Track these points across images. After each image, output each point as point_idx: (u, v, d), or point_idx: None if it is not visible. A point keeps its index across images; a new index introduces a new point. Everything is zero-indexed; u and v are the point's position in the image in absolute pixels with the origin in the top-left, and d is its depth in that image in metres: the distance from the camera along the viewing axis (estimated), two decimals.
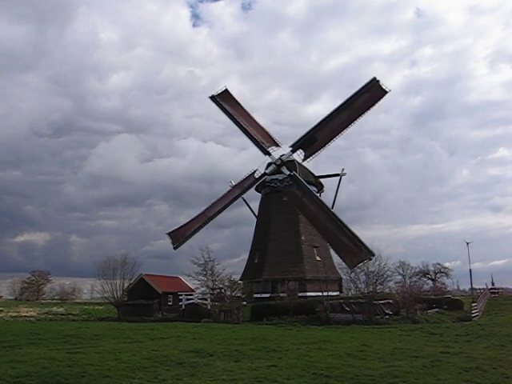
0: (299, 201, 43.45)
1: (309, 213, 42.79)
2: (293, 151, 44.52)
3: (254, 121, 47.31)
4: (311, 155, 44.25)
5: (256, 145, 45.81)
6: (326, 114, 42.96)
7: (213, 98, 47.57)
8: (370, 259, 35.71)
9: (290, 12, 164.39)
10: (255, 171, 45.38)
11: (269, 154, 45.29)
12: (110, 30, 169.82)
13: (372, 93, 42.19)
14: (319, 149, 43.98)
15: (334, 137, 43.55)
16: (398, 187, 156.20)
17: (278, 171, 45.24)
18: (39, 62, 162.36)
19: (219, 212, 43.68)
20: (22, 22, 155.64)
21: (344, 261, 37.03)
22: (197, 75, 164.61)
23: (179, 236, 42.78)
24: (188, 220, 43.91)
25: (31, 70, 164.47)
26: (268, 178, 45.88)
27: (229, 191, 45.32)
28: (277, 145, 45.85)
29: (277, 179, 45.63)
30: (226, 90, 48.07)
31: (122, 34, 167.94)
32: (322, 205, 42.17)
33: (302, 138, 44.02)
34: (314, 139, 43.72)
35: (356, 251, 37.07)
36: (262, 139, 45.69)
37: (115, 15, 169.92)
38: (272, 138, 46.28)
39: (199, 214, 43.70)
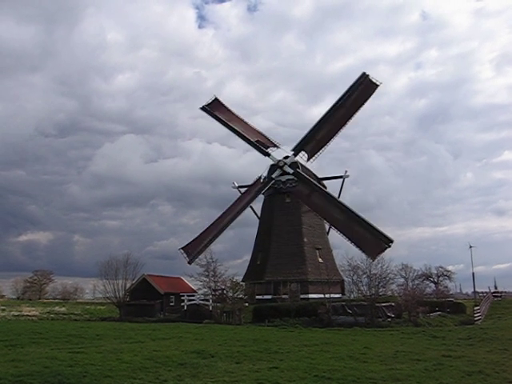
0: (308, 198, 43.61)
1: (319, 209, 43.04)
2: (295, 154, 44.74)
3: (249, 125, 47.75)
4: (314, 155, 44.58)
5: (254, 147, 46.15)
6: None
7: (204, 108, 48.19)
8: (390, 246, 36.35)
9: (296, 14, 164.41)
10: (260, 177, 45.65)
11: (268, 154, 45.60)
12: (115, 30, 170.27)
13: (363, 88, 43.20)
14: (320, 148, 44.37)
15: (334, 135, 44.12)
16: (402, 190, 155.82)
17: (281, 173, 45.38)
18: (46, 62, 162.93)
19: (231, 221, 43.45)
20: (30, 23, 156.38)
21: (364, 252, 36.84)
22: (203, 76, 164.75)
23: (193, 249, 41.86)
24: (200, 233, 43.26)
25: (38, 70, 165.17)
26: (263, 176, 45.92)
27: (237, 200, 45.48)
28: (275, 146, 46.17)
29: (280, 181, 45.67)
30: (216, 99, 48.74)
31: (127, 35, 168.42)
32: (331, 198, 42.38)
33: (302, 139, 44.46)
34: (315, 139, 44.19)
35: (374, 241, 37.59)
36: (260, 141, 46.04)
37: (121, 16, 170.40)
38: (270, 140, 46.69)
39: (210, 225, 43.42)
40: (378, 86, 42.98)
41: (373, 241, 37.67)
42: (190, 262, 41.96)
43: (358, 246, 38.05)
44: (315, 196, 43.04)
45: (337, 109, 43.45)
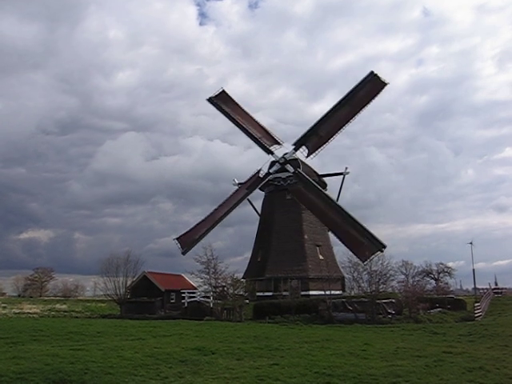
0: (305, 198, 43.50)
1: (316, 209, 42.89)
2: (296, 149, 44.73)
3: (255, 120, 47.43)
4: (314, 151, 44.49)
5: (257, 144, 45.96)
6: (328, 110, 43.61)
7: (210, 100, 48.01)
8: (382, 251, 36.07)
9: (297, 11, 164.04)
10: (259, 171, 45.49)
11: (271, 152, 45.48)
12: (116, 28, 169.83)
13: (371, 86, 42.61)
14: (322, 144, 44.20)
15: (336, 132, 43.77)
16: (403, 186, 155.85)
17: (281, 169, 45.33)
18: (48, 60, 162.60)
19: (226, 214, 43.65)
20: (33, 21, 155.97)
21: (356, 254, 36.93)
22: (204, 73, 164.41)
23: (187, 240, 42.45)
24: (195, 224, 43.66)
25: (40, 68, 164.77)
26: (271, 176, 45.96)
27: (234, 192, 45.45)
28: (279, 143, 46.01)
29: (280, 177, 45.71)
30: (223, 92, 48.32)
31: (128, 32, 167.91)
32: (328, 200, 42.27)
33: (304, 134, 44.32)
34: (317, 135, 44.04)
35: (367, 244, 37.38)
36: (264, 138, 45.86)
37: (122, 13, 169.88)
38: (273, 137, 46.44)
39: (206, 217, 43.63)
40: (385, 84, 42.45)
41: (366, 245, 37.56)
42: (183, 253, 42.63)
43: (350, 248, 38.14)
44: (313, 196, 42.99)
45: (342, 106, 43.17)
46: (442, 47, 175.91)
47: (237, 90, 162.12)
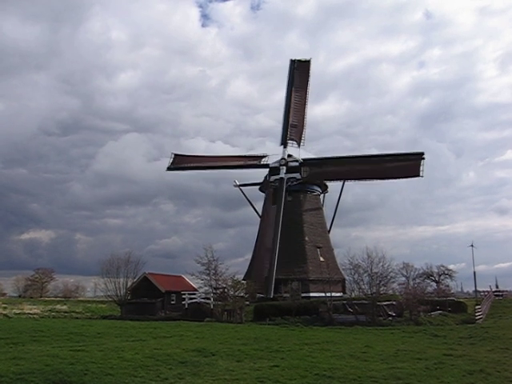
0: (327, 174, 46.24)
1: (342, 174, 45.32)
2: (284, 146, 46.81)
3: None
4: (301, 139, 47.18)
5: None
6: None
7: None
8: (423, 158, 40.27)
9: (299, 12, 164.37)
10: (264, 156, 46.88)
11: (267, 166, 46.92)
12: (118, 29, 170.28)
13: (300, 70, 48.04)
14: (302, 130, 47.30)
15: (304, 113, 47.63)
16: (404, 188, 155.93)
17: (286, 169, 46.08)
18: (51, 61, 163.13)
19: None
20: (36, 22, 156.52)
21: (407, 176, 41.35)
22: (207, 75, 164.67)
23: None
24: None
25: (43, 69, 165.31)
26: (272, 178, 46.08)
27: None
28: (263, 156, 47.63)
29: (285, 179, 45.90)
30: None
31: (130, 34, 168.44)
32: (347, 158, 45.58)
33: (283, 132, 47.32)
34: (293, 126, 47.07)
35: (409, 163, 41.16)
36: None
37: (124, 14, 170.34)
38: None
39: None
40: (309, 60, 47.67)
41: (406, 164, 40.98)
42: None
43: (399, 177, 42.45)
44: (330, 168, 45.29)
45: (292, 94, 47.35)
46: (443, 49, 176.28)
47: (238, 92, 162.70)
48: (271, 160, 46.90)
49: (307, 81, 48.25)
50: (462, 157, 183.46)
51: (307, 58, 48.00)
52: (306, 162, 45.84)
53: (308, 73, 48.56)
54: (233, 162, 48.00)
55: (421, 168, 41.30)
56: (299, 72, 48.18)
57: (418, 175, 41.53)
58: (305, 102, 48.80)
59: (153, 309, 41.31)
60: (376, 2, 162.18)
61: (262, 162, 46.75)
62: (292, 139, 46.68)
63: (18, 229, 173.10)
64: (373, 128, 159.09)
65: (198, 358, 14.52)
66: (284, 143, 46.54)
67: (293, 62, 48.32)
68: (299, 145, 46.84)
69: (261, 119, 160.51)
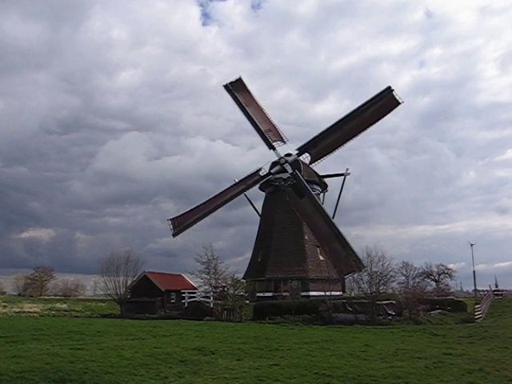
0: (297, 200, 44.04)
1: (306, 214, 43.53)
2: (299, 154, 45.02)
3: (265, 114, 48.20)
4: (317, 160, 44.91)
5: (262, 137, 46.59)
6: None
7: (226, 86, 48.62)
8: (360, 271, 35.53)
9: (300, 11, 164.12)
10: (260, 169, 45.65)
11: (273, 148, 45.83)
12: (119, 27, 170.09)
13: (384, 102, 42.12)
14: (325, 154, 44.46)
15: (342, 144, 43.74)
16: (405, 188, 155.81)
17: (282, 170, 45.47)
18: (51, 60, 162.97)
19: (220, 206, 44.25)
20: (37, 21, 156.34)
21: (334, 267, 37.34)
22: (208, 73, 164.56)
23: (180, 224, 43.49)
24: (189, 209, 44.64)
25: (43, 68, 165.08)
26: (272, 176, 46.00)
27: (232, 186, 45.63)
28: (283, 141, 46.35)
29: (281, 178, 45.72)
30: (240, 79, 49.21)
31: (131, 32, 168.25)
32: (320, 209, 42.64)
33: (308, 142, 44.60)
34: (322, 145, 44.13)
35: (347, 261, 37.82)
36: (270, 133, 46.40)
37: (125, 13, 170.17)
38: (279, 134, 47.14)
39: (200, 204, 44.27)
40: (399, 103, 41.96)
41: (346, 260, 38.03)
42: (174, 235, 43.88)
43: (330, 260, 38.47)
44: (306, 200, 43.47)
45: (352, 118, 42.79)
46: (444, 49, 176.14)
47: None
48: (281, 150, 46.69)
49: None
50: (463, 156, 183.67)
51: (401, 100, 42.36)
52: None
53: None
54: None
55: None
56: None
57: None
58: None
59: (152, 307, 41.33)
60: (377, 1, 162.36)
61: (261, 174, 46.03)
62: (275, 141, 46.34)
63: (18, 227, 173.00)
64: (373, 127, 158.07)
65: (197, 357, 14.54)
66: (271, 147, 46.14)
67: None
68: (284, 141, 46.65)
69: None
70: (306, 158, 45.13)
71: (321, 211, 42.54)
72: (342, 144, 43.79)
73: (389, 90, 41.76)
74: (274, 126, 47.37)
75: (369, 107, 42.24)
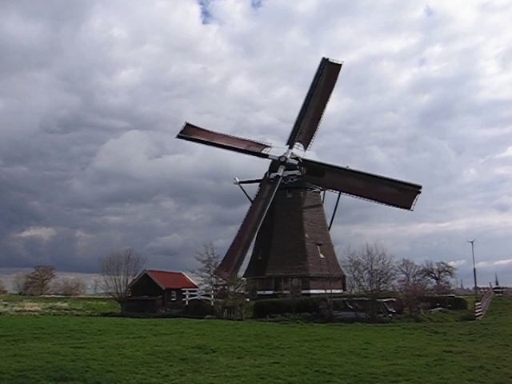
0: (321, 180, 45.62)
1: (337, 185, 45.04)
2: (290, 146, 46.12)
3: (232, 137, 48.51)
4: (308, 143, 46.78)
5: (248, 154, 47.05)
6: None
7: (179, 136, 48.85)
8: (420, 192, 40.07)
9: (300, 9, 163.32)
10: (266, 175, 46.28)
11: (266, 156, 46.39)
12: (119, 26, 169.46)
13: (328, 71, 46.70)
14: (312, 135, 46.81)
15: (319, 119, 46.97)
16: None
17: (287, 168, 45.90)
18: (52, 59, 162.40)
19: (254, 230, 43.38)
20: (38, 20, 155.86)
21: (398, 206, 40.94)
22: (208, 72, 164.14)
23: (229, 268, 39.11)
24: (227, 251, 42.60)
25: (44, 67, 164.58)
26: (273, 175, 46.06)
27: (253, 207, 45.55)
28: (267, 146, 46.97)
29: (294, 175, 46.06)
30: (188, 125, 49.01)
31: (131, 31, 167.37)
32: (346, 171, 44.43)
33: (292, 132, 46.56)
34: (304, 128, 46.39)
35: (404, 192, 40.85)
36: (252, 147, 47.10)
37: (125, 12, 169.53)
38: (260, 143, 47.59)
39: (235, 241, 43.39)
40: (340, 65, 46.47)
41: (402, 193, 40.76)
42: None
43: (389, 203, 41.66)
44: (328, 175, 44.83)
45: (313, 96, 46.36)
46: (444, 46, 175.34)
47: (239, 89, 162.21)
48: (273, 153, 46.50)
49: (332, 85, 46.64)
50: (463, 154, 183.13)
51: (340, 61, 45.91)
52: (306, 162, 45.57)
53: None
54: (237, 143, 46.99)
55: (414, 202, 41.07)
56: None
57: (409, 208, 41.27)
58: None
59: (153, 306, 41.37)
60: None
61: (263, 152, 46.31)
62: (299, 141, 46.33)
63: (19, 226, 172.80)
64: (373, 125, 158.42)
65: (198, 355, 14.56)
66: (290, 144, 46.05)
67: (324, 60, 46.48)
68: (305, 149, 46.28)
69: (261, 116, 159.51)
70: (298, 146, 46.65)
71: (349, 172, 44.22)
72: (319, 118, 46.89)
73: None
74: (250, 141, 47.87)
75: (319, 82, 46.37)
